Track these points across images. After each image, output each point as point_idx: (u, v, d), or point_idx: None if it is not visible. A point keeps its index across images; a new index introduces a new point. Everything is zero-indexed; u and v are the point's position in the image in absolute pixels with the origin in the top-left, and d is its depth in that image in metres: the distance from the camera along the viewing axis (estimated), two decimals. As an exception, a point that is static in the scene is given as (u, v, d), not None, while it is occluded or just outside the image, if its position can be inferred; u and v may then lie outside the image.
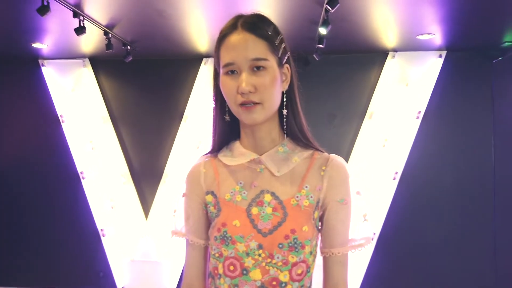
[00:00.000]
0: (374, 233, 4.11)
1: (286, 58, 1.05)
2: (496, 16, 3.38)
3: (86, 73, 4.51)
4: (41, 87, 4.52)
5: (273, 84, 1.00)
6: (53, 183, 4.52)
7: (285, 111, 1.05)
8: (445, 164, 4.21)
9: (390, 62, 4.25)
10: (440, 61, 4.19)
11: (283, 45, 1.04)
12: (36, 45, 4.03)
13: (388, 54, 4.25)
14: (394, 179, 4.17)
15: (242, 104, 0.99)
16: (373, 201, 4.12)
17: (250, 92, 0.97)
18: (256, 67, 0.98)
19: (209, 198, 1.08)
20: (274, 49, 1.01)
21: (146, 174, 4.50)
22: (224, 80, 1.01)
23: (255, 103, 0.98)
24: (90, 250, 4.45)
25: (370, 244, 1.09)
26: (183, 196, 1.14)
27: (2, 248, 4.54)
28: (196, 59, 4.42)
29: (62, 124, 4.48)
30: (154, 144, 4.49)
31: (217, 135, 1.12)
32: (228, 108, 1.05)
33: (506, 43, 3.97)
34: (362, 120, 4.28)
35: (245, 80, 0.97)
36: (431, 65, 4.21)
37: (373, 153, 4.20)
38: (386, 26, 3.59)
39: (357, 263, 4.11)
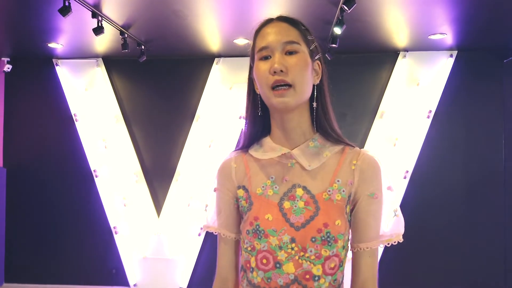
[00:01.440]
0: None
1: (317, 56, 1.08)
2: (507, 16, 3.39)
3: (99, 73, 4.56)
4: (55, 87, 4.58)
5: (305, 68, 1.02)
6: (67, 181, 4.57)
7: (315, 104, 1.08)
8: (456, 163, 4.23)
9: (401, 62, 4.26)
10: (451, 60, 4.20)
11: (314, 44, 1.08)
12: (51, 44, 4.08)
13: (399, 53, 4.27)
14: (405, 178, 4.19)
15: (274, 88, 1.00)
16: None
17: (281, 71, 1.00)
18: (289, 52, 1.02)
19: (241, 192, 1.08)
20: (306, 40, 1.05)
21: (158, 173, 4.54)
22: (257, 64, 1.04)
23: (287, 85, 1.00)
24: (103, 247, 4.50)
25: (400, 239, 1.08)
26: (214, 191, 1.14)
27: (15, 245, 4.59)
28: (208, 59, 4.46)
29: (76, 123, 4.53)
30: (166, 143, 4.53)
31: (248, 131, 1.13)
32: (261, 101, 1.07)
33: (517, 43, 3.99)
34: (373, 119, 4.30)
35: (278, 60, 1.00)
36: (442, 65, 4.23)
37: (384, 152, 4.21)
38: (398, 26, 3.61)
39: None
